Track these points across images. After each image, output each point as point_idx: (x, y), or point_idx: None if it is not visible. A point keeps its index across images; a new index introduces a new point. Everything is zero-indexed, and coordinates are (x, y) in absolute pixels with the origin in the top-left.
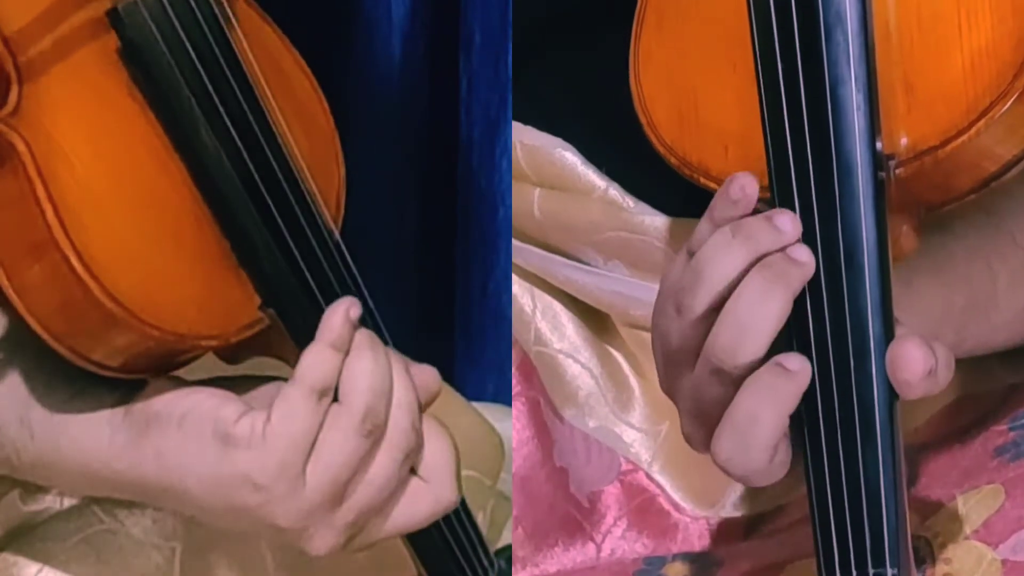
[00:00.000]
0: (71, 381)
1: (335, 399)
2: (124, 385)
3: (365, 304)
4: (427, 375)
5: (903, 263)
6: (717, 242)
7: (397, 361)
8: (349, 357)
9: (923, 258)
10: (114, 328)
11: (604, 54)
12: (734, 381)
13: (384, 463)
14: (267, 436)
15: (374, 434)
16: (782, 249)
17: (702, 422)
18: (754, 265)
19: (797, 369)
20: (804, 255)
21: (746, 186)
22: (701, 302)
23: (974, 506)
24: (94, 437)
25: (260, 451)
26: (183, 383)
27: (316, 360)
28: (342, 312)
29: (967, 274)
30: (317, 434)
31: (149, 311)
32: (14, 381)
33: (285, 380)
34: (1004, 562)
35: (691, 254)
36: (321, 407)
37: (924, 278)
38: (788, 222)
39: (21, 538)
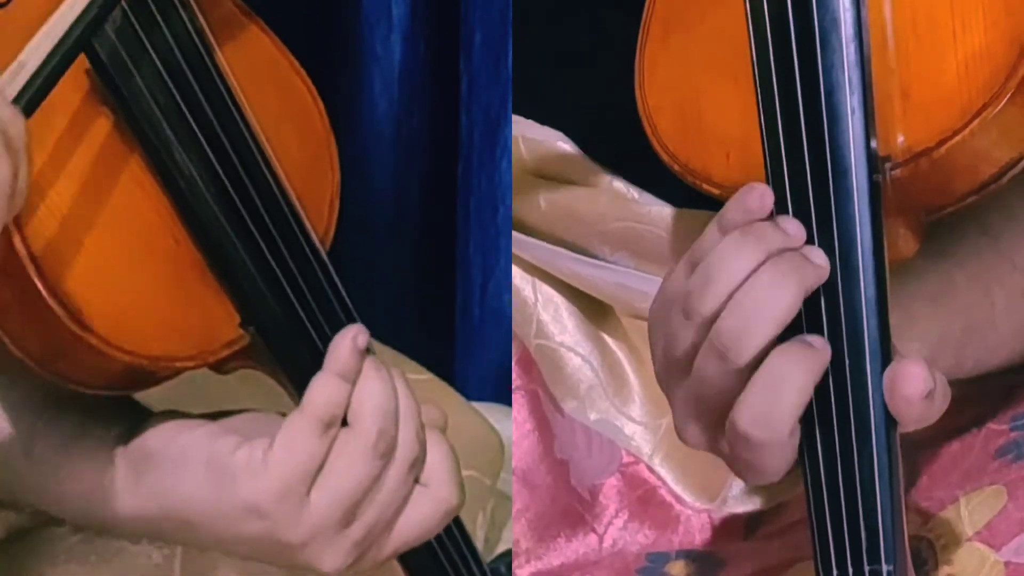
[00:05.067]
0: (76, 412)
1: (344, 423)
2: (128, 419)
3: (350, 318)
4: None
5: (903, 291)
6: (728, 244)
7: (396, 373)
8: (358, 382)
9: (922, 285)
10: (86, 352)
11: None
12: (738, 372)
13: (393, 478)
14: (268, 463)
15: (388, 455)
16: (798, 250)
17: (702, 418)
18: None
19: (820, 346)
20: (820, 258)
21: (764, 196)
22: (712, 303)
23: (976, 507)
24: (97, 472)
25: (261, 477)
26: (182, 418)
27: (323, 390)
28: (349, 341)
29: (966, 301)
30: (323, 460)
31: (121, 335)
32: (19, 409)
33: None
34: (1007, 564)
35: (694, 263)
36: (327, 436)
37: (923, 306)
38: (794, 226)
39: (22, 538)
